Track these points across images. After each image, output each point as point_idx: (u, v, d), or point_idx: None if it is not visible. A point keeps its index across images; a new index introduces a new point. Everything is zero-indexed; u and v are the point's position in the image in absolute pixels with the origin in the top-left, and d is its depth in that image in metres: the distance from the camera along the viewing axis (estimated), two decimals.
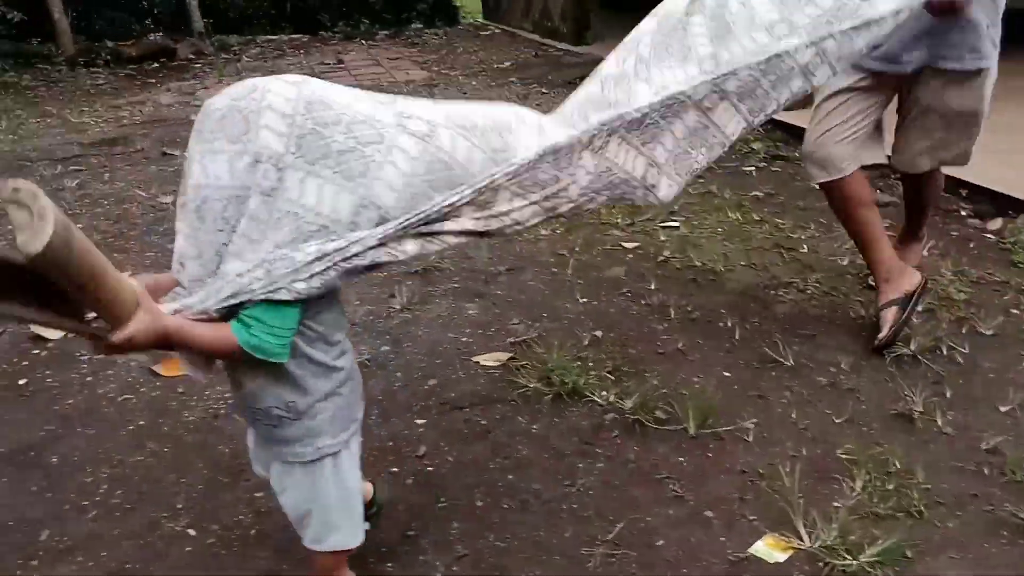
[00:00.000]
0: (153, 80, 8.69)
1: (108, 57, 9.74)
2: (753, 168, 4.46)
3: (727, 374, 2.52)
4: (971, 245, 3.33)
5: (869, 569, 1.72)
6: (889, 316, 2.54)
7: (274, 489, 1.57)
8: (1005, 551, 1.78)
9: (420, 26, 11.95)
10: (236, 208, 1.28)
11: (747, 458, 2.13)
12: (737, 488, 2.02)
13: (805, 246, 3.40)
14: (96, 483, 2.20)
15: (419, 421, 2.39)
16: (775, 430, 2.23)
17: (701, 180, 4.01)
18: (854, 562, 1.73)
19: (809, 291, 3.00)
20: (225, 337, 1.30)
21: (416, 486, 2.12)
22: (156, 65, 9.54)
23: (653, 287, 3.10)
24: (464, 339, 2.83)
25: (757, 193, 4.07)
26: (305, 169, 1.29)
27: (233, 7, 11.51)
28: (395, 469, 2.18)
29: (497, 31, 11.34)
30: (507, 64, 8.70)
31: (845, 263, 3.22)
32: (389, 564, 1.86)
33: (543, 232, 3.65)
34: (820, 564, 1.76)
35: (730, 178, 4.25)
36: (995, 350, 2.55)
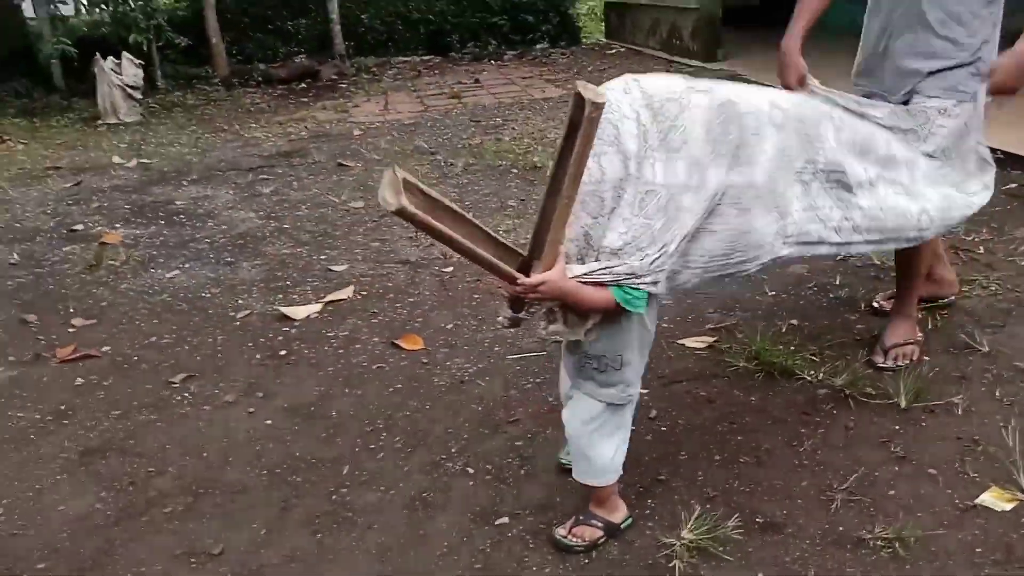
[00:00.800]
0: (305, 99, 9.36)
1: (260, 78, 10.55)
2: None
3: (926, 358, 2.73)
4: None
5: None
6: None
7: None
8: None
9: (545, 46, 12.40)
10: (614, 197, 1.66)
11: (961, 427, 2.35)
12: (956, 451, 2.25)
13: (981, 247, 3.56)
14: (375, 432, 2.59)
15: (642, 391, 2.69)
16: (982, 404, 2.44)
17: None
18: None
19: (992, 287, 3.18)
20: (606, 296, 1.70)
21: (655, 442, 2.43)
22: (303, 85, 10.26)
23: (838, 282, 3.33)
24: (665, 325, 3.13)
25: None
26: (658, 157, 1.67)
27: (371, 31, 12.22)
28: (632, 427, 2.49)
29: (622, 49, 11.67)
30: None
31: (1023, 263, 3.38)
32: (649, 501, 2.17)
33: None
34: None
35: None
36: None
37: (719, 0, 8.93)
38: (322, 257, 4.20)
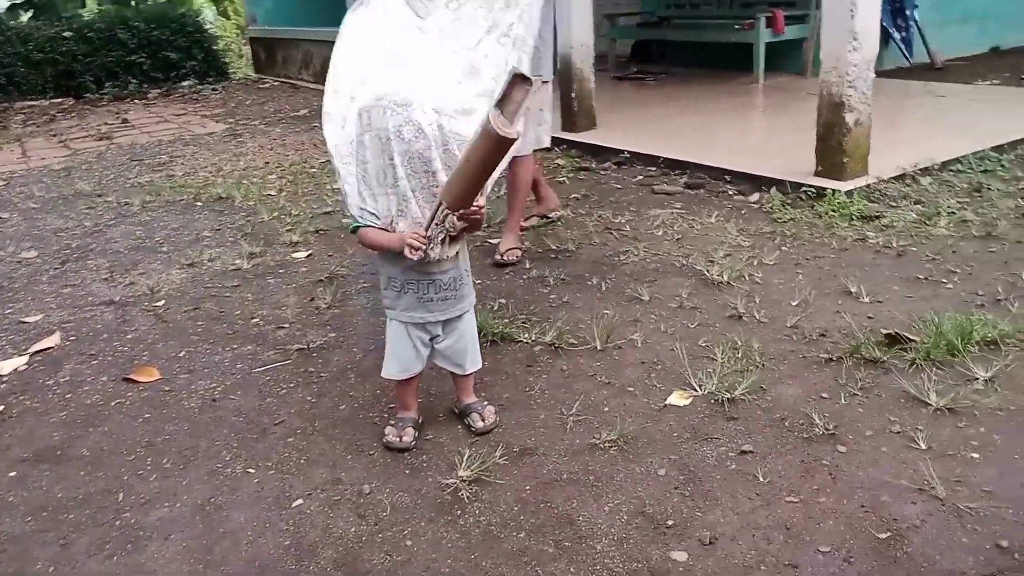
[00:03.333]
0: None
1: None
2: (565, 179, 5.47)
3: (607, 311, 3.39)
4: (743, 212, 4.50)
5: (740, 398, 2.63)
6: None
7: (446, 346, 2.52)
8: (815, 375, 2.77)
9: (193, 82, 12.07)
10: None
11: (643, 355, 3.00)
12: (643, 372, 2.88)
13: (627, 227, 4.40)
14: (139, 459, 2.62)
15: None
16: (654, 338, 3.13)
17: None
18: (730, 395, 2.64)
19: (641, 254, 3.97)
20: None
21: (421, 409, 2.76)
22: None
23: (528, 266, 3.93)
24: None
25: (576, 195, 5.07)
26: None
27: None
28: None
29: (276, 83, 11.76)
30: (303, 111, 9.24)
31: (660, 233, 4.25)
32: (423, 457, 2.50)
33: None
34: (711, 401, 2.65)
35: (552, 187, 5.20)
36: (777, 272, 3.64)
37: None
38: (8, 311, 3.91)
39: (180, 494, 2.41)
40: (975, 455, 2.27)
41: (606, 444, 2.45)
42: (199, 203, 5.68)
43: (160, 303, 3.88)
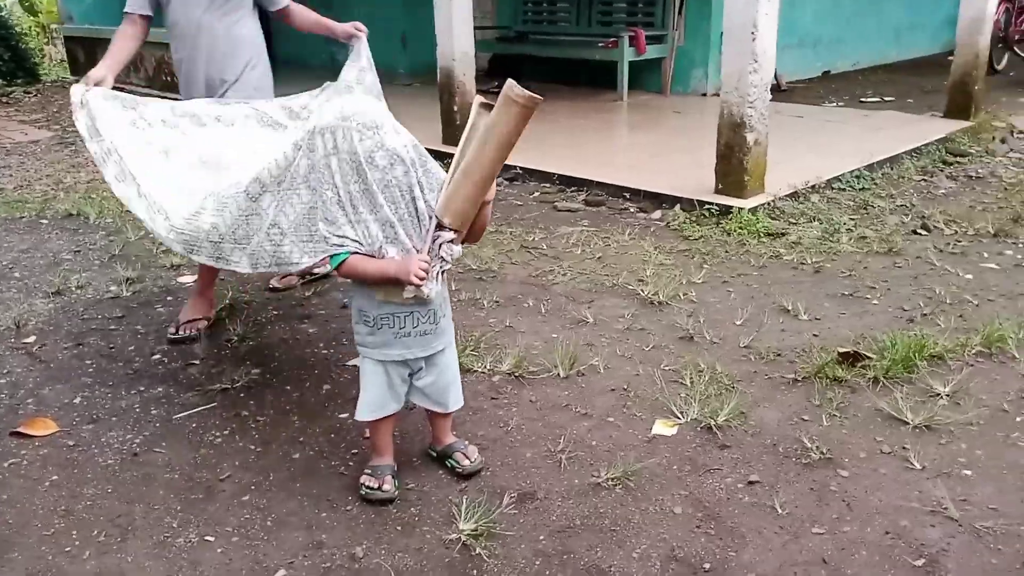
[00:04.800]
0: None
1: None
2: None
3: (554, 335, 3.25)
4: (651, 230, 4.51)
5: (725, 424, 2.57)
6: None
7: (427, 383, 2.27)
8: (787, 396, 2.76)
9: (1, 84, 10.78)
10: None
11: (609, 382, 2.88)
12: (616, 399, 2.76)
13: (544, 244, 4.29)
14: (59, 535, 2.19)
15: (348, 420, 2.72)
16: (614, 362, 3.02)
17: None
18: (715, 421, 2.57)
19: (568, 275, 3.87)
20: None
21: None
22: None
23: (455, 287, 3.71)
24: (324, 352, 3.16)
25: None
26: None
27: None
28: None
29: None
30: None
31: (578, 252, 4.16)
32: (411, 509, 2.24)
33: None
34: (697, 428, 2.57)
35: None
36: (708, 291, 3.65)
37: None
38: None
39: (129, 574, 2.02)
40: (968, 472, 2.32)
41: (609, 482, 2.31)
42: (44, 221, 5.00)
43: (30, 339, 3.33)
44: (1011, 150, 5.93)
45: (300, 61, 10.80)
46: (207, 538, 2.14)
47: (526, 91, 1.90)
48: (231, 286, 3.80)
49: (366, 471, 2.32)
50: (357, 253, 2.07)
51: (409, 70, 10.05)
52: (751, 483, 2.30)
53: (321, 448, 2.53)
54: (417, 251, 2.07)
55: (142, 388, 2.92)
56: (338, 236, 2.07)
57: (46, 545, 2.13)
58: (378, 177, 2.00)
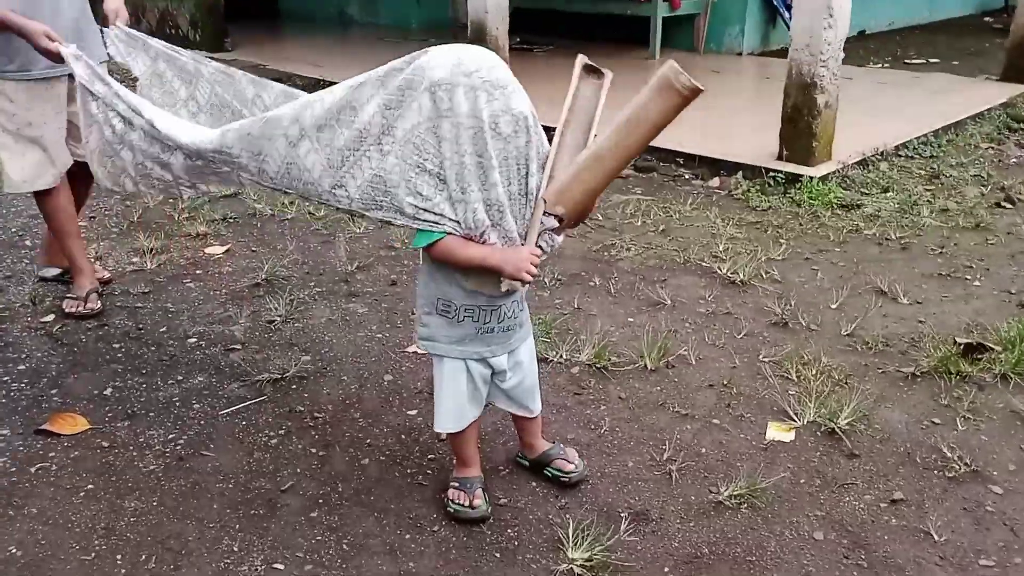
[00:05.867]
0: None
1: None
2: None
3: (631, 319, 2.93)
4: (714, 199, 4.17)
5: (847, 428, 2.27)
6: None
7: (512, 385, 1.96)
8: (909, 395, 2.46)
9: None
10: None
11: (704, 375, 2.58)
12: (716, 397, 2.46)
13: (599, 215, 3.95)
14: (99, 558, 1.87)
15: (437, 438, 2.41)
16: (705, 352, 2.71)
17: None
18: (835, 424, 2.27)
19: (633, 250, 3.54)
20: None
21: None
22: None
23: None
24: (380, 335, 2.85)
25: None
26: None
27: None
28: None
29: None
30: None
31: (639, 224, 3.84)
32: (507, 531, 1.94)
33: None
34: (816, 432, 2.27)
35: None
36: (791, 268, 3.33)
37: None
38: None
39: None
40: None
41: (732, 501, 2.01)
42: None
43: (48, 318, 3.00)
44: None
45: (308, 14, 10.34)
46: (275, 566, 1.84)
47: (691, 80, 1.55)
48: (265, 258, 3.47)
49: (452, 484, 2.02)
50: (453, 234, 1.74)
51: (423, 25, 9.57)
52: (895, 502, 2.01)
53: (393, 452, 2.23)
54: (522, 239, 1.74)
55: (180, 378, 2.61)
56: (434, 214, 1.73)
57: (86, 572, 1.83)
58: (499, 147, 1.66)
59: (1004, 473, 2.11)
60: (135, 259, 3.51)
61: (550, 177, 1.71)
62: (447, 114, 1.63)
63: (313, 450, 2.25)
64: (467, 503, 1.97)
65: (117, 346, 2.81)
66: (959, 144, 4.96)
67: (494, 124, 1.64)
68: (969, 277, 3.24)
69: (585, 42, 8.39)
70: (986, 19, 10.26)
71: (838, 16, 4.09)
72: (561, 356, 2.66)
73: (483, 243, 1.74)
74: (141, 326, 2.95)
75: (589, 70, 1.77)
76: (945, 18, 10.22)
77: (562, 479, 2.07)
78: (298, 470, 2.16)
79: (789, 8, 7.83)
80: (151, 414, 2.42)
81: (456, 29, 9.40)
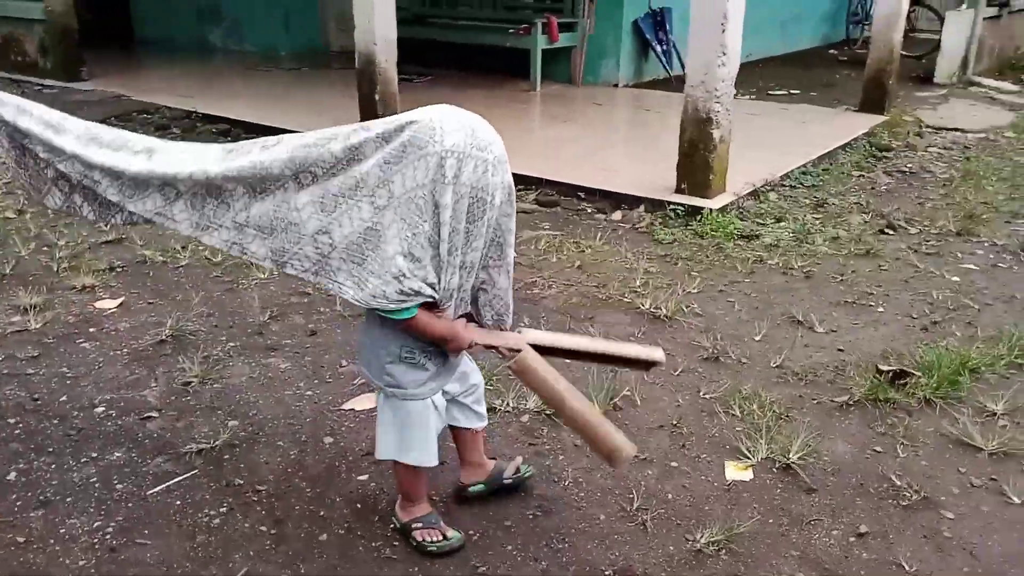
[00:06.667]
0: None
1: None
2: None
3: (567, 360, 2.90)
4: (619, 233, 4.23)
5: (800, 463, 2.33)
6: None
7: (463, 392, 2.03)
8: (846, 425, 2.55)
9: None
10: None
11: (653, 416, 2.58)
12: (669, 439, 2.47)
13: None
14: None
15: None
16: (648, 392, 2.72)
17: None
18: (787, 459, 2.33)
19: (554, 286, 3.54)
20: None
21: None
22: None
23: None
24: (309, 393, 2.70)
25: None
26: None
27: None
28: None
29: None
30: None
31: (555, 260, 3.84)
32: None
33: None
34: (771, 469, 2.32)
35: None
36: (708, 301, 3.41)
37: (71, 10, 7.76)
38: None
39: None
40: None
41: (711, 548, 2.01)
42: None
43: None
44: (929, 145, 6.08)
45: (166, 40, 9.83)
46: None
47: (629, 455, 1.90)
48: (166, 311, 3.22)
49: (414, 527, 1.99)
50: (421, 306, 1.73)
51: (293, 52, 9.29)
52: (861, 535, 2.07)
53: (351, 525, 2.09)
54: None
55: (94, 454, 2.36)
56: (418, 282, 1.67)
57: None
58: (490, 216, 1.69)
59: (951, 497, 2.21)
60: (15, 318, 3.18)
61: (553, 347, 1.94)
62: (452, 182, 1.62)
63: (263, 528, 2.07)
64: (441, 537, 1.98)
65: (13, 421, 2.52)
66: (835, 173, 5.28)
67: (492, 196, 1.68)
68: (872, 304, 3.42)
69: (464, 73, 8.42)
70: (831, 51, 11.06)
71: (731, 54, 4.27)
72: (508, 404, 2.60)
73: (443, 311, 1.75)
74: (37, 396, 2.66)
75: (648, 365, 2.03)
76: (796, 50, 10.93)
77: (525, 477, 2.17)
78: (251, 553, 1.99)
79: (661, 43, 8.17)
80: (68, 499, 2.17)
81: (331, 57, 9.21)
